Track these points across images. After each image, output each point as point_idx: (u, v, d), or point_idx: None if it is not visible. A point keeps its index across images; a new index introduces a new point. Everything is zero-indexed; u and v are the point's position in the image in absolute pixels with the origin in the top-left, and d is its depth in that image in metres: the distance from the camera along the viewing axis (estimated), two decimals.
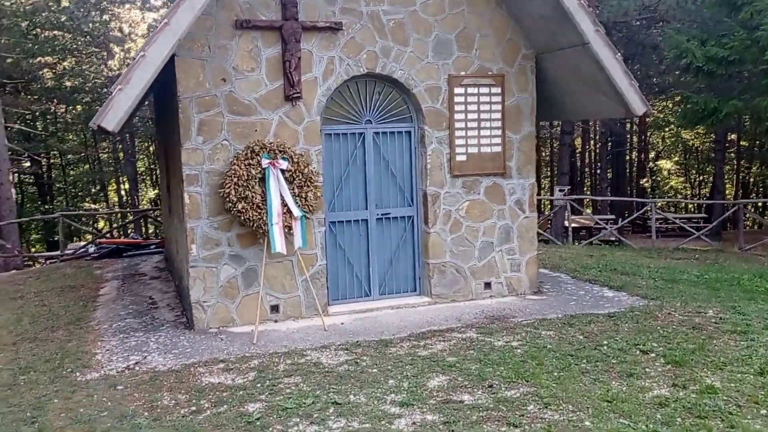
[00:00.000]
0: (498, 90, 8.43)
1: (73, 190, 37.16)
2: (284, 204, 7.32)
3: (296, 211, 7.34)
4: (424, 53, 8.08)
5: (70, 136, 32.12)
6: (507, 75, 8.46)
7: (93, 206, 35.38)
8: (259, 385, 5.57)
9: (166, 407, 5.15)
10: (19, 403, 5.37)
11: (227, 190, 7.19)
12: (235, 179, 7.20)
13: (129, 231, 21.73)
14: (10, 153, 27.70)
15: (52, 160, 37.00)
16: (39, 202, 34.52)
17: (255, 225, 7.27)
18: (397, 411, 4.89)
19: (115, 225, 28.05)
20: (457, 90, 8.25)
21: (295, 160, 7.45)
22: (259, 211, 7.25)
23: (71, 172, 37.78)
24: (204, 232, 7.45)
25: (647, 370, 5.73)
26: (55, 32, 28.48)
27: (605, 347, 6.35)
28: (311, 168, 7.55)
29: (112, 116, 6.08)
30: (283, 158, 7.40)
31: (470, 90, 8.31)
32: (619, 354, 6.14)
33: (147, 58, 6.14)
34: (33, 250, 30.09)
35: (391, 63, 7.96)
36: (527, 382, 5.43)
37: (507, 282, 8.69)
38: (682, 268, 11.23)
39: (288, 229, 7.36)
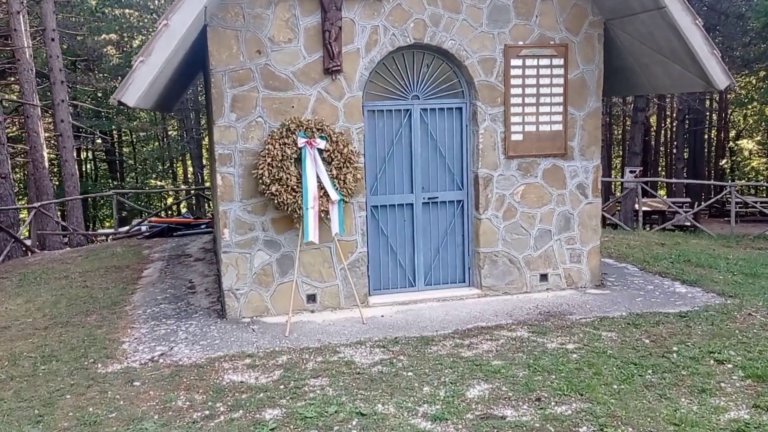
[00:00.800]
0: (560, 61, 7.59)
1: (142, 167, 38.01)
2: (321, 187, 6.79)
3: (334, 195, 6.79)
4: (477, 21, 7.33)
5: (142, 114, 32.65)
6: (571, 45, 7.61)
7: (159, 184, 36.07)
8: (282, 386, 5.09)
9: (179, 409, 4.73)
10: (30, 398, 5.07)
11: (260, 171, 6.71)
12: (269, 159, 6.70)
13: (183, 209, 21.81)
14: (81, 130, 28.44)
15: (123, 137, 37.91)
16: (109, 179, 35.48)
17: (290, 209, 6.77)
18: (428, 427, 4.30)
19: (171, 203, 28.38)
20: (513, 62, 7.47)
21: (334, 139, 6.88)
22: (294, 194, 6.74)
23: (143, 149, 38.62)
24: (237, 215, 7.01)
25: (723, 385, 4.94)
26: (124, 10, 28.86)
27: (675, 354, 5.56)
28: (351, 148, 6.97)
29: (134, 90, 5.64)
30: (321, 137, 6.84)
31: (529, 62, 7.51)
32: (691, 364, 5.35)
33: (170, 28, 5.66)
34: (106, 225, 30.91)
35: (441, 32, 7.25)
36: (581, 395, 4.74)
37: (566, 274, 7.92)
38: (764, 260, 10.12)
39: (325, 214, 6.83)
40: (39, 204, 14.55)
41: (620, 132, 34.49)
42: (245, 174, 6.93)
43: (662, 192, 26.65)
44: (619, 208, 19.82)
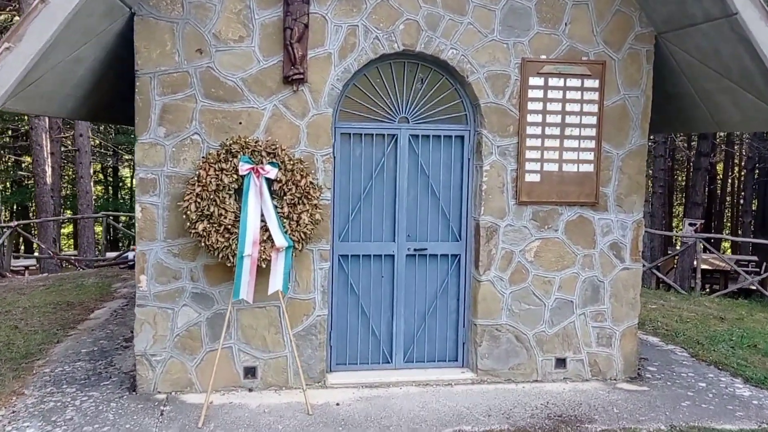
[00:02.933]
0: (594, 83, 5.85)
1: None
2: (265, 228, 5.16)
3: (279, 239, 5.14)
4: (487, 26, 5.67)
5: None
6: (610, 62, 5.87)
7: None
8: None
9: None
10: None
11: (186, 204, 5.12)
12: (198, 189, 5.12)
13: None
14: (101, 146, 27.74)
15: (126, 158, 36.99)
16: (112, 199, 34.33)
17: (221, 255, 5.14)
18: None
19: None
20: (533, 80, 5.76)
21: (290, 167, 5.26)
22: (228, 235, 5.12)
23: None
24: (159, 259, 5.41)
25: None
26: None
27: None
28: (311, 179, 5.33)
29: None
30: (272, 164, 5.24)
31: (553, 81, 5.79)
32: None
33: (49, 5, 4.16)
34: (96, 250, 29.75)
35: (440, 38, 5.61)
36: None
37: (590, 360, 6.04)
38: None
39: (267, 264, 5.17)
40: (15, 223, 13.35)
41: (684, 178, 32.00)
42: (172, 206, 5.35)
43: (726, 248, 24.15)
44: (675, 265, 17.64)
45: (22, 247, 23.67)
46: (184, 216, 5.13)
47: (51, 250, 14.40)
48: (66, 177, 27.34)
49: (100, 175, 32.71)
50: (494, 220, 5.83)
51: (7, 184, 29.36)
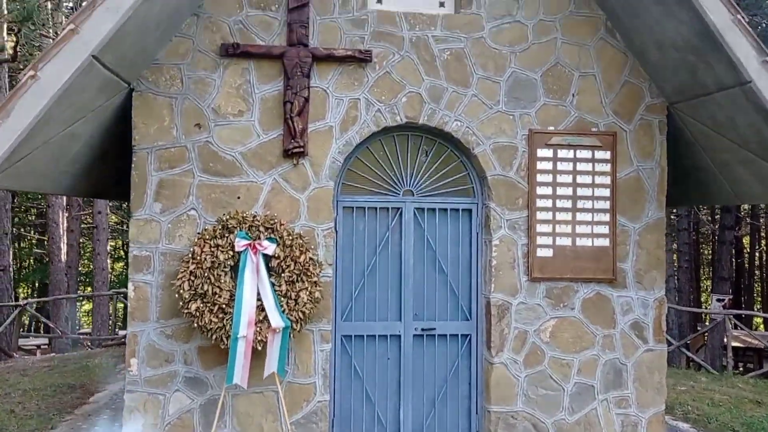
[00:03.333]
0: (606, 155, 5.64)
1: None
2: (262, 307, 4.90)
3: (276, 320, 4.86)
4: (492, 98, 5.54)
5: None
6: (621, 133, 5.68)
7: None
8: None
9: None
10: None
11: (180, 282, 4.89)
12: (193, 266, 4.90)
13: None
14: (118, 224, 27.93)
15: None
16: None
17: (215, 336, 4.87)
18: None
19: None
20: (541, 152, 5.57)
21: (288, 242, 5.05)
22: (222, 315, 4.86)
23: None
24: (151, 340, 5.15)
25: None
26: None
27: None
28: (311, 255, 5.09)
29: None
30: (270, 239, 5.03)
31: (562, 153, 5.60)
32: None
33: (40, 81, 4.09)
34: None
35: (443, 110, 5.48)
36: None
37: None
38: None
39: (263, 346, 4.88)
40: (25, 302, 13.21)
41: (710, 252, 31.26)
42: (167, 284, 5.13)
43: (758, 324, 23.25)
44: (705, 342, 16.86)
45: (40, 326, 23.51)
46: (177, 295, 4.89)
47: (60, 329, 14.16)
48: (85, 254, 27.47)
49: (121, 252, 32.93)
50: (506, 298, 5.51)
51: (31, 261, 29.55)
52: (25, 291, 30.21)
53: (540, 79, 5.60)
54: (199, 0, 5.22)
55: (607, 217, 5.62)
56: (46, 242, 17.94)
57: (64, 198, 17.96)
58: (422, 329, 5.62)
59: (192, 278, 4.88)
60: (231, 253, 4.97)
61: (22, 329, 18.84)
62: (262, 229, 5.05)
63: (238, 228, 5.02)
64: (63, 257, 17.65)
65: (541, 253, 5.54)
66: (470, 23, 5.52)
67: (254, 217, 5.11)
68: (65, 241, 18.15)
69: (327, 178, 5.36)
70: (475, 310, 5.68)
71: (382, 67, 5.43)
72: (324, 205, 5.35)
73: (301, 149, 5.26)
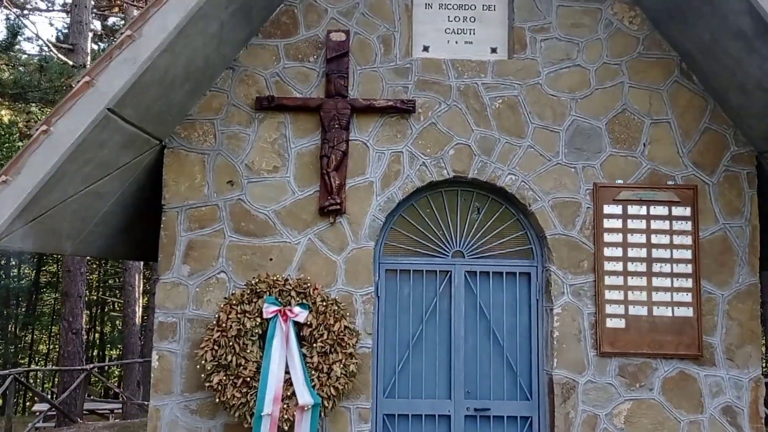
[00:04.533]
0: (685, 211, 4.93)
1: None
2: (290, 381, 4.40)
3: (305, 397, 4.35)
4: (551, 149, 4.99)
5: None
6: (702, 187, 4.97)
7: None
8: None
9: None
10: None
11: (203, 352, 4.48)
12: (217, 335, 4.49)
13: None
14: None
15: None
16: None
17: (237, 413, 4.39)
18: None
19: None
20: (608, 208, 4.93)
21: (322, 309, 4.58)
22: (245, 390, 4.39)
23: None
24: (174, 416, 4.72)
25: None
26: None
27: None
28: (346, 323, 4.60)
29: None
30: (302, 305, 4.58)
31: (633, 209, 4.93)
32: None
33: (52, 136, 3.87)
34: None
35: (496, 163, 4.97)
36: None
37: None
38: None
39: (288, 425, 4.35)
40: (91, 366, 13.20)
41: None
42: (192, 354, 4.73)
43: None
44: None
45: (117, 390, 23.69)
46: (198, 366, 4.48)
47: (126, 394, 14.04)
48: None
49: None
50: (571, 375, 4.79)
51: (117, 324, 30.19)
52: (110, 353, 30.74)
53: (605, 127, 5.01)
54: (235, 53, 4.98)
55: (689, 283, 4.86)
56: (122, 306, 18.16)
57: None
58: (475, 409, 4.95)
59: (216, 348, 4.46)
60: (259, 320, 4.54)
61: (99, 394, 18.91)
62: (293, 293, 4.61)
63: (268, 292, 4.59)
64: (137, 320, 17.79)
65: (611, 323, 4.82)
66: (524, 69, 5.04)
67: (286, 280, 4.68)
68: (140, 304, 18.33)
69: (367, 238, 4.89)
70: (536, 388, 4.98)
71: (427, 117, 5.00)
72: (363, 268, 4.87)
73: (338, 206, 4.83)
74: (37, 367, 21.01)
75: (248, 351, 4.49)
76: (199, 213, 4.91)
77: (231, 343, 4.46)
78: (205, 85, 4.90)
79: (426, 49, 5.17)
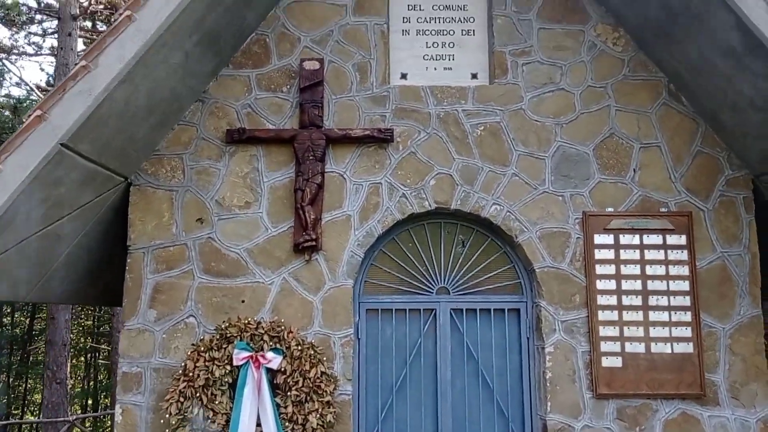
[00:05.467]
0: (681, 239, 4.67)
1: None
2: None
3: None
4: (537, 177, 4.74)
5: None
6: (697, 213, 4.72)
7: None
8: None
9: None
10: None
11: (167, 404, 4.15)
12: (183, 385, 4.17)
13: None
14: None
15: None
16: None
17: None
18: None
19: None
20: (599, 238, 4.66)
21: (297, 353, 4.27)
22: None
23: None
24: None
25: None
26: None
27: None
28: (322, 369, 4.28)
29: None
30: (275, 350, 4.27)
31: (625, 239, 4.67)
32: None
33: (3, 174, 3.59)
34: None
35: (479, 193, 4.71)
36: None
37: None
38: None
39: None
40: (74, 417, 12.70)
41: None
42: (158, 407, 4.38)
43: None
44: None
45: None
46: (161, 421, 4.14)
47: None
48: None
49: None
50: (566, 420, 4.46)
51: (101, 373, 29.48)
52: (104, 402, 29.89)
53: (593, 152, 4.78)
54: (204, 85, 4.76)
55: (688, 317, 4.57)
56: (109, 353, 17.70)
57: None
58: None
59: (181, 399, 4.14)
60: (229, 367, 4.24)
61: None
62: (266, 338, 4.31)
63: (239, 337, 4.29)
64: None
65: (607, 362, 4.51)
66: (506, 94, 4.83)
67: (258, 323, 4.38)
68: None
69: (345, 276, 4.61)
70: None
71: (406, 146, 4.77)
72: (341, 308, 4.57)
73: (314, 242, 4.55)
74: (16, 420, 20.32)
75: (217, 402, 4.16)
76: (167, 253, 4.62)
77: (198, 394, 4.15)
78: (172, 118, 4.66)
79: (404, 76, 4.97)
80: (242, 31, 4.71)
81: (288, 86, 4.83)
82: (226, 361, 4.23)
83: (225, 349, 4.26)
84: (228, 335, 4.30)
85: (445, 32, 5.04)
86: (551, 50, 4.88)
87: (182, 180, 4.70)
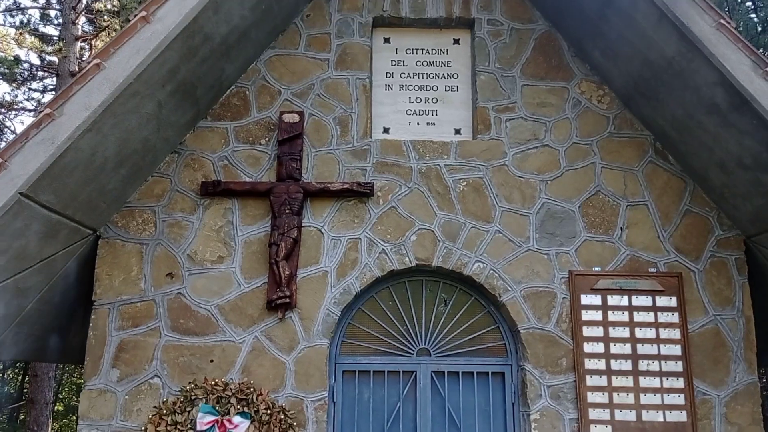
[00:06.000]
0: (671, 301, 4.48)
1: None
2: None
3: None
4: (521, 234, 4.59)
5: None
6: (687, 274, 4.55)
7: None
8: None
9: None
10: None
11: None
12: None
13: None
14: None
15: None
16: None
17: None
18: None
19: None
20: (586, 299, 4.48)
21: (266, 418, 4.02)
22: None
23: None
24: None
25: None
26: None
27: None
28: None
29: None
30: (242, 414, 4.02)
31: (613, 300, 4.48)
32: None
33: None
34: None
35: (461, 250, 4.55)
36: None
37: None
38: None
39: None
40: None
41: None
42: None
43: None
44: None
45: None
46: None
47: None
48: None
49: None
50: None
51: None
52: None
53: (578, 210, 4.64)
54: (180, 136, 4.66)
55: (680, 383, 4.34)
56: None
57: None
58: None
59: None
60: None
61: None
62: (233, 400, 4.07)
63: (204, 400, 4.04)
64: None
65: (596, 431, 4.25)
66: (489, 149, 4.73)
67: (226, 385, 4.14)
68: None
69: (320, 335, 4.39)
70: None
71: (387, 201, 4.63)
72: (316, 369, 4.34)
73: (288, 300, 4.36)
74: None
75: None
76: (134, 309, 4.42)
77: None
78: (146, 170, 4.54)
79: (386, 130, 4.89)
80: (221, 83, 4.64)
81: (266, 139, 4.73)
82: (189, 426, 3.97)
83: (189, 412, 4.01)
84: (192, 397, 4.06)
85: (428, 88, 4.98)
86: (535, 107, 4.81)
87: (153, 233, 4.54)
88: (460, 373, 4.54)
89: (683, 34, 3.86)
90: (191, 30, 3.85)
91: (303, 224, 4.55)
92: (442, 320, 4.63)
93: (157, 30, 3.74)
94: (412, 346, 4.59)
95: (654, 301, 4.48)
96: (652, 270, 4.55)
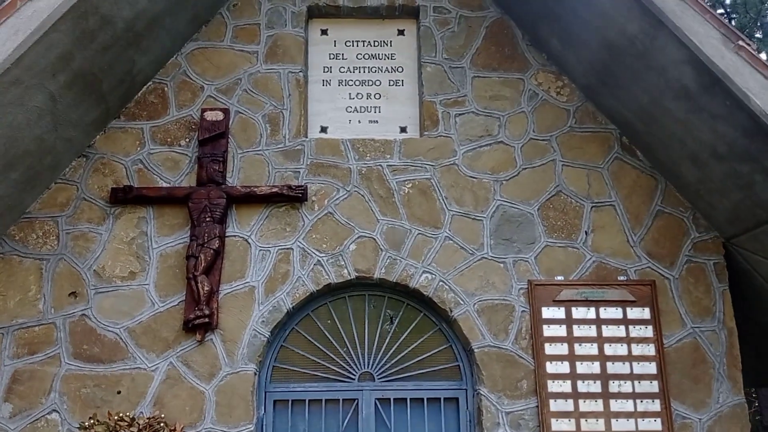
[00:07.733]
0: (644, 313, 3.97)
1: None
2: None
3: None
4: (474, 241, 4.08)
5: None
6: (662, 282, 4.05)
7: None
8: None
9: None
10: None
11: None
12: None
13: None
14: None
15: None
16: None
17: None
18: None
19: None
20: (548, 312, 3.95)
21: None
22: None
23: None
24: None
25: None
26: None
27: None
28: None
29: None
30: None
31: (578, 312, 3.96)
32: None
33: None
34: None
35: (407, 260, 4.03)
36: None
37: None
38: None
39: None
40: None
41: None
42: None
43: None
44: None
45: None
46: None
47: None
48: None
49: None
50: None
51: None
52: None
53: (537, 213, 4.14)
54: (87, 138, 4.14)
55: (657, 405, 3.81)
56: None
57: None
58: None
59: None
60: None
61: None
62: None
63: None
64: None
65: None
66: (437, 148, 4.24)
67: (133, 419, 3.57)
68: None
69: (245, 360, 3.83)
70: None
71: (322, 206, 4.12)
72: (240, 399, 3.77)
73: (208, 319, 3.80)
74: None
75: None
76: (31, 334, 3.84)
77: None
78: (46, 175, 4.00)
79: (324, 130, 4.40)
80: (133, 78, 4.13)
81: (187, 140, 4.23)
82: None
83: None
84: None
85: (370, 82, 4.52)
86: (487, 100, 4.35)
87: (55, 247, 3.99)
88: (408, 400, 3.98)
89: (645, 7, 3.43)
90: (82, 9, 3.35)
91: (227, 233, 4.02)
92: (387, 340, 4.08)
93: (40, 8, 3.25)
94: (354, 370, 4.03)
95: (624, 313, 3.96)
96: (621, 278, 4.04)
